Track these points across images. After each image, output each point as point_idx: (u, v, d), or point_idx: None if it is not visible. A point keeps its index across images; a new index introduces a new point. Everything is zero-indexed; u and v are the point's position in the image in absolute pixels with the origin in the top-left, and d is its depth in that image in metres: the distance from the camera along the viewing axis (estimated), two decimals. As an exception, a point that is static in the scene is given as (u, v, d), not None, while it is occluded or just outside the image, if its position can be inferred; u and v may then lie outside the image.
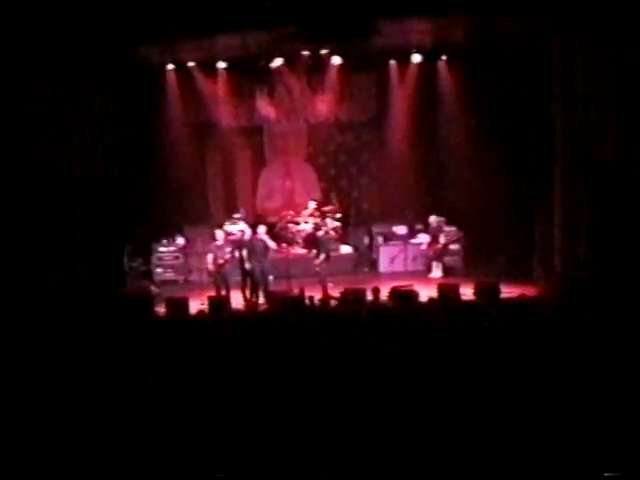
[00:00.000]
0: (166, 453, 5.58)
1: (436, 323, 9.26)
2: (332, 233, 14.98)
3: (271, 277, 14.10)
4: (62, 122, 12.71)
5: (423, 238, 15.94)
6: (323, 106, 16.81)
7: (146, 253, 15.53)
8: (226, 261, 13.40)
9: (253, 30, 13.03)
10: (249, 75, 16.35)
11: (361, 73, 16.74)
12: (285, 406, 6.28)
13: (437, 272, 15.42)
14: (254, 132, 17.13)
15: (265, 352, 8.01)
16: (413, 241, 16.24)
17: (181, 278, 15.90)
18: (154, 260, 15.76)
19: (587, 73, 12.58)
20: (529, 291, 12.41)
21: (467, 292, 12.25)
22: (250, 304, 13.38)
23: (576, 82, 12.69)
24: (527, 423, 5.83)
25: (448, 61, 16.02)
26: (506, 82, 14.29)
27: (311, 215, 15.98)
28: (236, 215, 15.34)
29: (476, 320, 9.39)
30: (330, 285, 13.66)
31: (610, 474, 5.05)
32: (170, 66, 15.53)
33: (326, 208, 15.89)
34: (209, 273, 13.71)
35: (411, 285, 12.56)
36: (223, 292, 13.33)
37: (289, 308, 11.69)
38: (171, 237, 15.99)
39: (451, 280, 13.84)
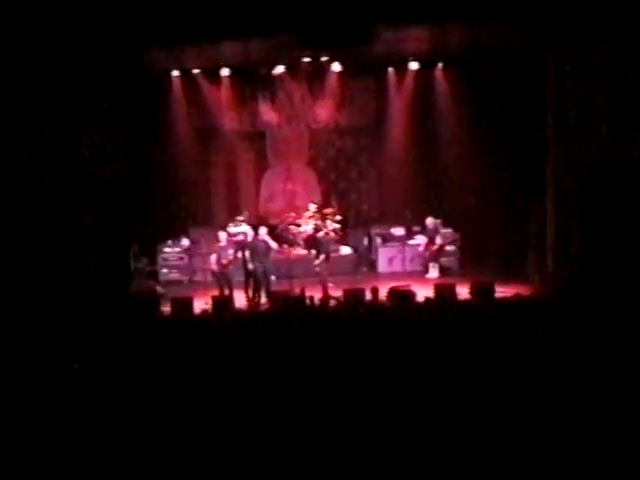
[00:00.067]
0: (170, 451, 5.55)
1: (433, 322, 9.23)
2: (332, 234, 14.96)
3: (273, 277, 14.09)
4: (71, 126, 12.70)
5: (420, 239, 15.93)
6: (323, 112, 16.83)
7: (152, 254, 15.51)
8: (229, 262, 13.39)
9: (255, 37, 13.03)
10: (252, 82, 16.38)
11: (360, 80, 16.76)
12: (286, 402, 6.26)
13: (434, 272, 15.40)
14: (257, 137, 17.13)
15: (267, 350, 7.99)
16: (411, 242, 16.23)
17: (185, 278, 15.87)
18: (159, 261, 15.74)
19: (579, 77, 12.60)
20: (523, 290, 12.40)
21: (463, 292, 12.23)
22: (252, 304, 13.36)
23: (568, 86, 12.70)
24: (521, 420, 5.80)
25: (444, 68, 16.04)
26: (499, 87, 14.29)
27: (312, 217, 15.97)
28: (239, 217, 15.36)
29: (471, 319, 9.36)
30: (330, 285, 13.65)
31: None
32: (176, 73, 15.54)
33: (326, 210, 15.89)
34: (213, 273, 13.70)
35: (409, 285, 12.53)
36: (226, 292, 13.32)
37: (290, 307, 11.66)
38: (176, 238, 15.97)
39: (447, 280, 13.80)
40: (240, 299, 13.31)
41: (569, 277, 12.40)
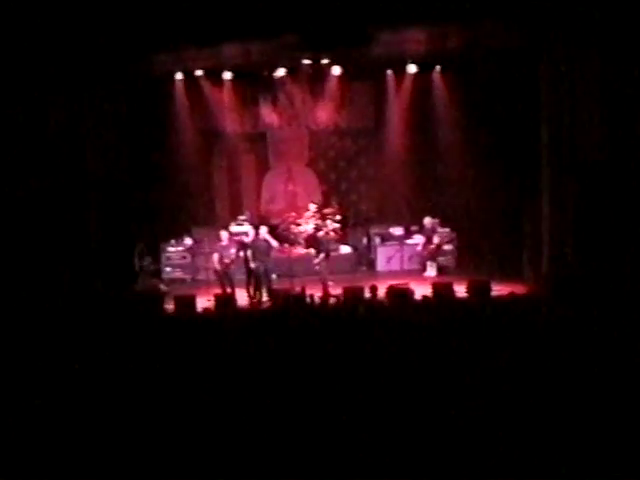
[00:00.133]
0: (174, 447, 5.56)
1: (431, 319, 9.24)
2: (332, 234, 14.98)
3: (274, 276, 14.12)
4: (76, 128, 12.72)
5: (418, 239, 15.95)
6: (323, 113, 16.85)
7: (155, 253, 15.50)
8: (231, 261, 13.41)
9: (256, 40, 13.06)
10: (253, 84, 16.40)
11: (360, 82, 16.79)
12: (287, 399, 6.27)
13: (431, 271, 15.42)
14: (258, 138, 17.15)
15: (268, 347, 8.01)
16: (409, 242, 16.25)
17: (188, 277, 15.90)
18: (163, 260, 15.76)
19: (573, 79, 12.60)
20: (519, 289, 12.38)
21: (460, 290, 12.25)
22: (254, 302, 13.38)
23: (563, 88, 12.70)
24: (517, 418, 5.81)
25: (442, 71, 16.06)
26: (495, 89, 14.30)
27: (312, 217, 15.99)
28: (241, 217, 15.37)
29: (468, 317, 9.37)
30: (330, 283, 13.67)
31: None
32: (179, 75, 15.54)
33: (326, 210, 15.91)
34: (215, 272, 13.72)
35: (407, 283, 12.55)
36: (228, 290, 13.34)
37: (291, 305, 11.67)
38: (179, 238, 15.99)
39: (445, 279, 13.84)
40: (242, 297, 13.33)
41: (563, 276, 12.41)
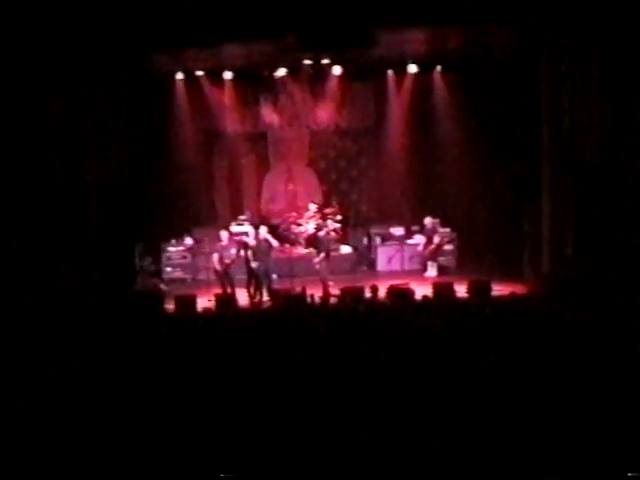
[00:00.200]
0: (175, 446, 5.55)
1: (431, 319, 9.23)
2: (332, 234, 14.97)
3: (274, 276, 14.11)
4: (77, 129, 12.72)
5: (419, 239, 15.94)
6: (324, 114, 16.85)
7: (156, 253, 15.50)
8: (232, 261, 13.41)
9: (257, 40, 13.05)
10: (254, 84, 16.40)
11: (360, 82, 16.80)
12: (287, 398, 6.27)
13: (432, 271, 15.41)
14: (259, 138, 17.16)
15: (268, 347, 8.00)
16: (409, 242, 16.24)
17: (189, 277, 15.89)
18: (163, 259, 15.75)
19: (572, 82, 12.60)
20: (519, 289, 12.37)
21: (460, 290, 12.24)
22: (254, 301, 13.37)
23: (562, 91, 12.70)
24: (517, 417, 5.81)
25: (442, 71, 16.08)
26: (496, 90, 14.30)
27: (312, 217, 15.99)
28: (242, 217, 15.37)
29: (468, 316, 9.37)
30: (330, 283, 13.65)
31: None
32: (179, 76, 15.56)
33: (327, 210, 15.89)
34: (215, 272, 13.71)
35: (407, 283, 12.55)
36: (229, 290, 13.33)
37: (291, 305, 11.67)
38: (180, 238, 15.98)
39: (445, 279, 13.83)
40: (242, 297, 13.33)
41: (564, 276, 12.40)
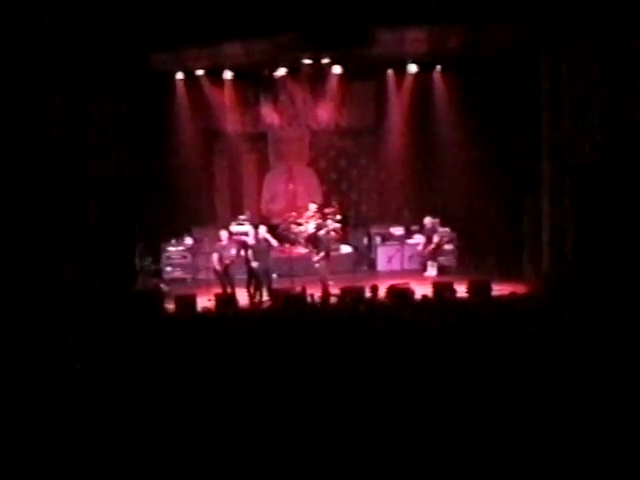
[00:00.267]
0: (174, 447, 5.55)
1: (431, 319, 9.24)
2: (333, 234, 14.97)
3: (274, 275, 14.11)
4: (77, 128, 12.71)
5: (419, 239, 15.94)
6: (324, 113, 16.85)
7: (156, 253, 15.50)
8: (231, 260, 13.41)
9: (257, 39, 13.06)
10: (254, 84, 16.41)
11: (360, 82, 16.79)
12: (287, 398, 6.27)
13: (432, 271, 15.41)
14: (259, 138, 17.16)
15: (268, 347, 8.00)
16: (409, 241, 16.25)
17: (189, 276, 15.89)
18: (164, 259, 15.75)
19: (573, 79, 12.60)
20: (519, 289, 12.38)
21: (460, 290, 12.24)
22: (254, 301, 13.37)
23: (562, 91, 12.70)
24: (517, 417, 5.80)
25: (442, 71, 16.08)
26: (496, 90, 14.32)
27: (312, 217, 15.99)
28: (242, 217, 15.37)
29: (469, 316, 9.37)
30: (330, 283, 13.65)
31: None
32: (180, 75, 15.56)
33: (327, 210, 15.88)
34: (215, 272, 13.71)
35: (407, 283, 12.54)
36: (228, 290, 13.33)
37: (291, 305, 11.68)
38: (180, 237, 15.99)
39: (445, 278, 13.83)
40: (242, 297, 13.32)
41: (564, 276, 12.41)
